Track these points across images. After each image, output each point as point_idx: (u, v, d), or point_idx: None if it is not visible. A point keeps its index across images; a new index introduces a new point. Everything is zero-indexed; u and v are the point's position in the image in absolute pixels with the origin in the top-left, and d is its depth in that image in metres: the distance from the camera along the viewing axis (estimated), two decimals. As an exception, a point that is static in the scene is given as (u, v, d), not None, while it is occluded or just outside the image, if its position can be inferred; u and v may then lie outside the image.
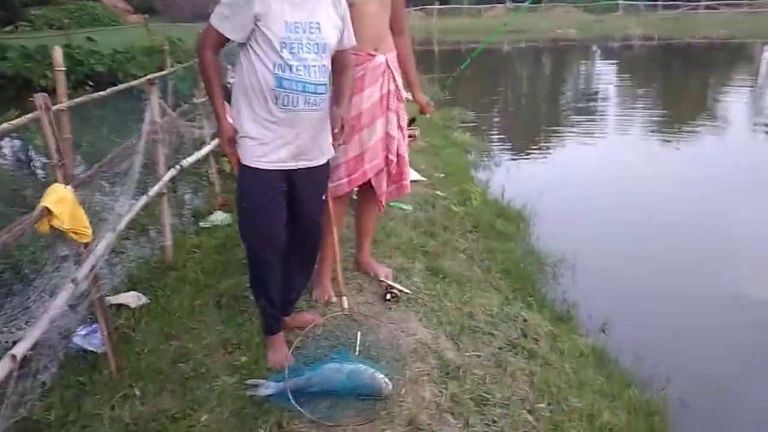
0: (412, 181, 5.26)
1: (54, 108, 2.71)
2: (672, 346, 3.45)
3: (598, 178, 7.19)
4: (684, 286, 4.30)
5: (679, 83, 16.96)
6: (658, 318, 3.84)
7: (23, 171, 7.13)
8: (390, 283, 3.03)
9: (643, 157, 8.31)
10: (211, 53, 2.21)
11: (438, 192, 5.27)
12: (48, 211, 2.41)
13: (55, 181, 2.60)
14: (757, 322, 3.85)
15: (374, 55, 2.72)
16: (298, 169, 2.27)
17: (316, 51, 2.15)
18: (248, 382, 2.40)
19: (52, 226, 2.45)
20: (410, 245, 3.79)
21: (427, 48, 26.63)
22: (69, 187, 2.57)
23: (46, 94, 2.60)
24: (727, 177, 6.84)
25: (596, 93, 15.64)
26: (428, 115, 3.35)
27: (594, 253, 4.68)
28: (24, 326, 2.21)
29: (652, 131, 10.41)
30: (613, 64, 23.36)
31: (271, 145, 2.20)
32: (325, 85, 2.22)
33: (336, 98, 2.35)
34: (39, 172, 7.11)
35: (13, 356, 2.03)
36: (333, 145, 2.38)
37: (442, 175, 6.07)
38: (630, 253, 4.89)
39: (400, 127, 2.89)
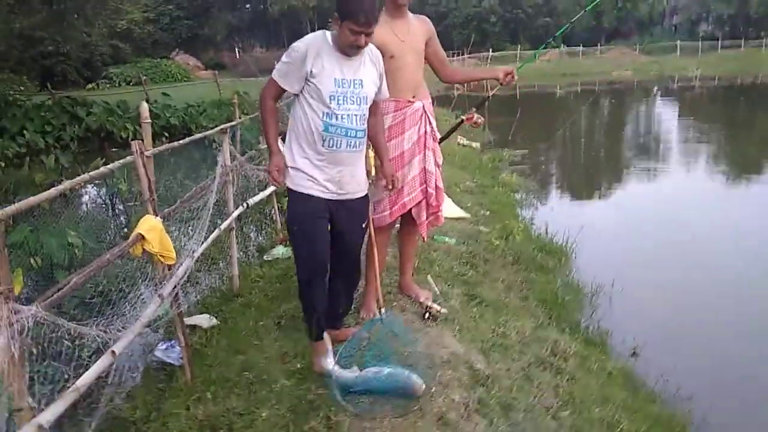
0: (458, 218, 5.69)
1: (146, 153, 3.24)
2: (700, 373, 3.61)
3: (644, 218, 7.31)
4: (717, 320, 4.44)
5: (744, 123, 16.64)
6: (688, 346, 4.00)
7: (107, 213, 7.93)
8: (429, 303, 3.37)
9: (698, 199, 8.34)
10: (271, 101, 2.67)
11: (482, 228, 5.58)
12: (141, 237, 2.93)
13: (147, 213, 3.13)
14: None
15: (412, 102, 3.14)
16: (340, 200, 2.68)
17: (358, 103, 2.59)
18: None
19: (144, 250, 2.97)
20: (451, 273, 4.11)
21: (479, 94, 27.14)
22: (158, 218, 3.09)
23: (141, 141, 3.15)
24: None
25: (653, 135, 15.60)
26: (514, 79, 3.33)
27: (632, 286, 4.87)
28: (121, 329, 2.68)
29: (712, 172, 10.38)
30: (672, 104, 23.13)
31: (317, 179, 2.62)
32: (364, 130, 2.66)
33: (378, 153, 2.87)
34: (120, 213, 7.87)
35: (113, 352, 2.49)
36: (380, 190, 2.85)
37: (488, 212, 6.38)
38: (668, 288, 5.05)
39: (436, 164, 3.27)
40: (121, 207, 7.89)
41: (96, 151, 13.95)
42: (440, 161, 3.34)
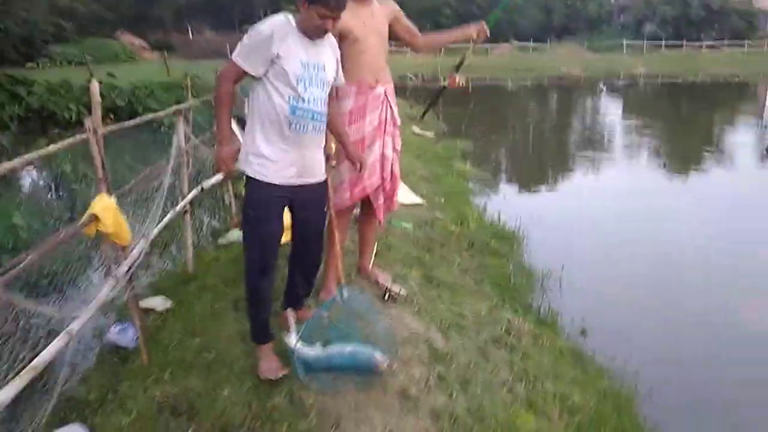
0: (414, 205, 5.77)
1: (100, 131, 3.15)
2: (645, 350, 3.83)
3: (591, 206, 7.62)
4: (661, 300, 4.73)
5: (685, 119, 17.43)
6: (634, 326, 4.23)
7: (51, 195, 7.63)
8: (389, 285, 3.42)
9: (641, 188, 8.72)
10: (230, 84, 2.55)
11: (437, 214, 5.69)
12: (95, 217, 2.85)
13: (100, 192, 3.05)
14: (728, 335, 4.22)
15: (374, 87, 3.16)
16: (302, 185, 2.67)
17: (321, 86, 2.60)
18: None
19: (97, 230, 2.89)
20: (409, 257, 4.18)
21: (435, 84, 27.40)
22: (112, 197, 3.01)
23: (93, 118, 3.06)
24: (715, 209, 7.24)
25: (599, 128, 16.14)
26: (487, 34, 3.51)
27: (580, 270, 5.09)
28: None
29: (654, 165, 10.85)
30: (617, 100, 23.95)
31: (280, 164, 2.59)
32: (326, 114, 2.68)
33: (339, 137, 2.92)
34: (64, 195, 7.59)
35: (69, 331, 2.43)
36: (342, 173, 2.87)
37: (443, 200, 6.50)
38: (613, 271, 5.32)
39: (394, 149, 3.31)
40: (64, 189, 7.60)
41: (38, 131, 13.32)
42: (399, 147, 3.38)
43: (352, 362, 2.57)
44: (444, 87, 3.68)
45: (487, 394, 2.65)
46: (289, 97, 2.53)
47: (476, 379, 2.75)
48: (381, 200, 3.31)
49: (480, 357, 2.98)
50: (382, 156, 3.24)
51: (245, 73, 2.54)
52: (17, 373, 2.05)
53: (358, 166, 2.91)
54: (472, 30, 3.37)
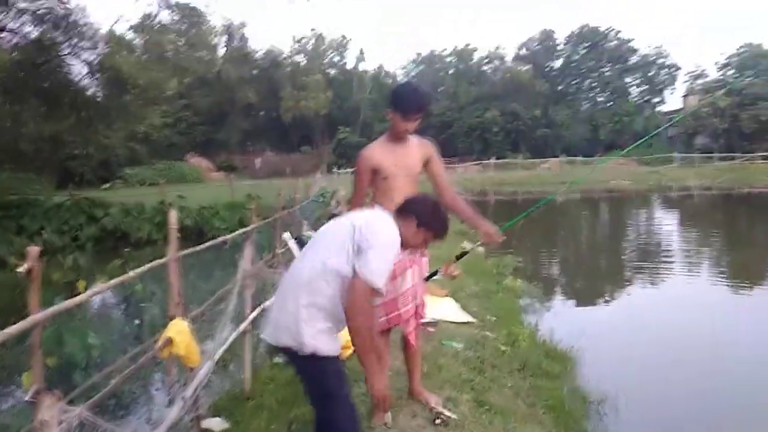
0: (464, 323, 5.85)
1: (178, 255, 3.49)
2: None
3: (648, 324, 7.44)
4: (724, 424, 4.48)
5: (743, 231, 17.03)
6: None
7: (121, 313, 8.09)
8: (439, 409, 3.48)
9: (700, 303, 8.49)
10: (372, 317, 2.46)
11: (488, 333, 5.72)
12: (170, 340, 3.12)
13: (174, 316, 3.34)
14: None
15: None
16: None
17: None
18: None
19: (171, 353, 3.15)
20: (459, 379, 4.23)
21: (483, 198, 27.95)
22: (186, 321, 3.30)
23: (175, 247, 3.42)
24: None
25: (655, 240, 15.94)
26: (499, 242, 3.38)
27: (638, 394, 4.95)
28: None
29: (714, 280, 10.58)
30: (672, 212, 23.71)
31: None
32: None
33: None
34: (133, 313, 8.02)
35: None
36: None
37: (493, 318, 6.54)
38: (674, 393, 5.13)
39: (421, 276, 3.48)
40: (134, 307, 8.06)
41: (111, 250, 14.29)
42: (425, 275, 3.56)
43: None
44: (436, 271, 3.60)
45: None
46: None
47: None
48: (412, 326, 3.45)
49: None
50: (413, 285, 3.41)
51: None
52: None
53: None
54: (488, 229, 3.33)
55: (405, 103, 3.28)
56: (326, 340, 2.39)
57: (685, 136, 49.94)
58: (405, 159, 3.41)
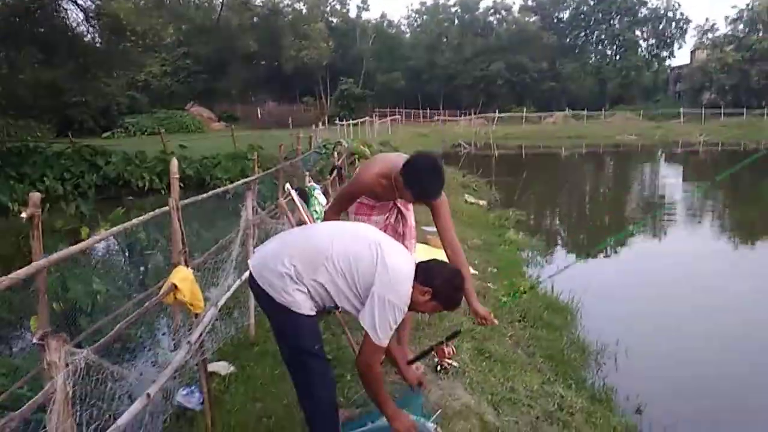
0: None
1: (180, 204, 3.47)
2: (703, 429, 3.72)
3: (648, 278, 7.48)
4: (721, 375, 4.57)
5: (748, 186, 16.94)
6: (693, 404, 4.11)
7: (125, 259, 8.15)
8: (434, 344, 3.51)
9: (702, 259, 8.52)
10: (379, 362, 2.48)
11: (489, 285, 5.77)
12: (174, 287, 3.13)
13: (178, 263, 3.34)
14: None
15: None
16: None
17: None
18: None
19: (176, 299, 3.17)
20: (460, 328, 4.27)
21: (486, 153, 27.77)
22: (190, 269, 3.30)
23: (176, 195, 3.39)
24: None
25: (658, 195, 15.90)
26: (492, 324, 3.16)
27: (637, 346, 5.02)
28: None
29: (716, 234, 10.60)
30: (677, 168, 23.57)
31: None
32: None
33: None
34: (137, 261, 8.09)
35: (148, 395, 2.66)
36: None
37: (495, 270, 6.58)
38: (672, 345, 5.21)
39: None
40: (137, 254, 8.11)
41: (113, 198, 14.31)
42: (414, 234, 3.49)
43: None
44: (431, 348, 3.17)
45: (538, 471, 2.68)
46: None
47: (528, 456, 2.78)
48: None
49: (531, 432, 3.02)
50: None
51: None
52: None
53: None
54: (478, 309, 3.00)
55: (421, 192, 2.90)
56: (304, 299, 2.38)
57: (693, 92, 49.19)
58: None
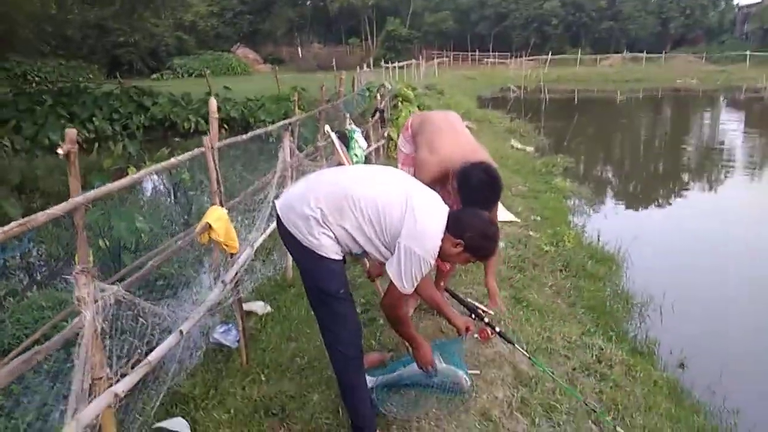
0: (508, 222, 5.73)
1: (216, 146, 3.43)
2: (748, 387, 3.57)
3: (701, 228, 7.17)
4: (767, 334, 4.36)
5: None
6: (737, 360, 3.94)
7: (169, 200, 8.31)
8: (476, 304, 3.45)
9: (758, 214, 8.07)
10: (405, 310, 2.50)
11: (532, 233, 5.61)
12: (209, 226, 3.12)
13: (214, 203, 3.33)
14: None
15: None
16: None
17: None
18: None
19: (210, 238, 3.17)
20: (498, 276, 4.16)
21: (536, 97, 26.83)
22: (224, 209, 3.28)
23: (207, 135, 3.34)
24: None
25: (716, 144, 15.08)
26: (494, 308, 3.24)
27: (684, 298, 4.81)
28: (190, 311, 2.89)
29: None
30: (738, 115, 22.25)
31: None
32: None
33: None
34: (181, 201, 8.24)
35: (181, 331, 2.69)
36: None
37: (539, 217, 6.39)
38: (721, 300, 4.98)
39: None
40: (182, 195, 8.25)
41: (159, 139, 14.55)
42: None
43: (437, 379, 2.62)
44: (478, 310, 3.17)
45: (571, 424, 2.62)
46: None
47: (561, 407, 2.71)
48: None
49: (567, 383, 2.94)
50: None
51: None
52: (134, 367, 2.30)
53: None
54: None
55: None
56: (330, 243, 2.31)
57: (762, 33, 45.73)
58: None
